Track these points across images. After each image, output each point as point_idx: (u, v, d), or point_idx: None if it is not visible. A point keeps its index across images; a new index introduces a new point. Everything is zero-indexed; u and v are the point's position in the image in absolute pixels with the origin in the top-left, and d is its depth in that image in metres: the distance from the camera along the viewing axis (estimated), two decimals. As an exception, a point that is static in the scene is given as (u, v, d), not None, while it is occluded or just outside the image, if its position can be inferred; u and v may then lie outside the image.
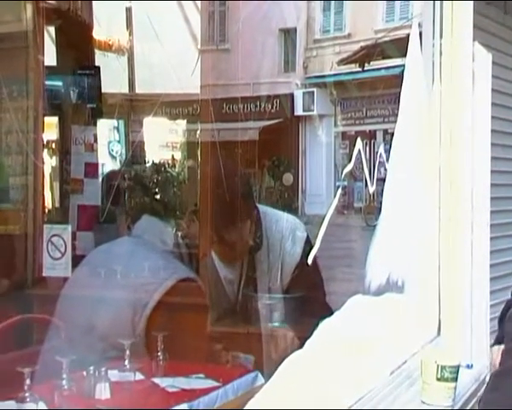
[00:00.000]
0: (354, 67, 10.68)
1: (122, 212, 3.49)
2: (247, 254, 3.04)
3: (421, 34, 2.84)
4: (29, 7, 3.89)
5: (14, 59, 3.85)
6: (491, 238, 3.13)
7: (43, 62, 3.93)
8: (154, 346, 2.68)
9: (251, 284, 3.04)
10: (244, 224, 2.98)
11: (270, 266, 3.01)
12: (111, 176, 6.14)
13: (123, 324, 2.86)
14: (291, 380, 1.86)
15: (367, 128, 13.82)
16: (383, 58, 9.58)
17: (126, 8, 6.85)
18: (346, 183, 13.12)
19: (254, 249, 3.02)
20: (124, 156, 8.62)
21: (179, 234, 3.50)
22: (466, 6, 2.84)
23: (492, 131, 3.15)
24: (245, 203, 2.99)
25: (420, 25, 2.86)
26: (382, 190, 2.83)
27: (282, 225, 3.05)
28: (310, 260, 2.89)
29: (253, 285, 3.03)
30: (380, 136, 13.12)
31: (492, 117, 3.11)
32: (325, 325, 2.19)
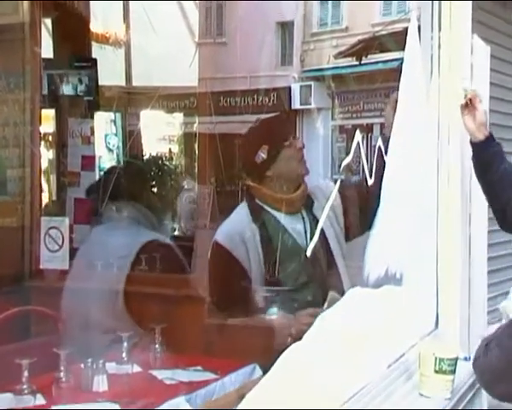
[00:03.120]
0: (351, 61, 10.65)
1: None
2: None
3: (419, 27, 2.83)
4: (25, -3, 3.87)
5: (11, 51, 3.83)
6: (489, 231, 3.14)
7: (40, 55, 3.92)
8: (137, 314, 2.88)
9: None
10: None
11: None
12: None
13: (104, 297, 2.98)
14: (289, 373, 1.86)
15: (364, 122, 13.80)
16: (381, 52, 9.56)
17: (123, 1, 6.83)
18: (343, 176, 13.09)
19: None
20: (120, 149, 8.62)
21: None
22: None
23: (491, 124, 3.15)
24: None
25: (418, 18, 2.85)
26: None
27: None
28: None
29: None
30: (377, 129, 13.11)
31: (491, 110, 3.11)
32: (324, 317, 2.19)
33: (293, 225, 2.83)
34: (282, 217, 2.81)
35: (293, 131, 2.88)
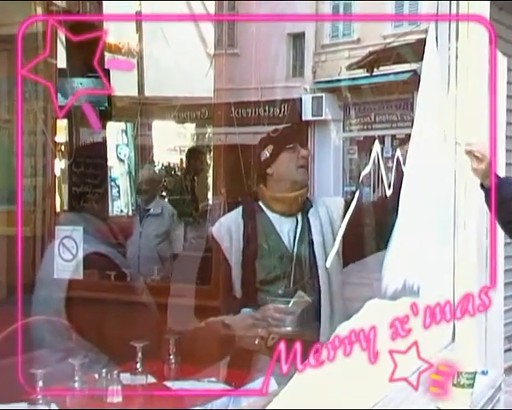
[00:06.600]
0: (363, 73, 10.63)
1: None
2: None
3: (436, 37, 2.82)
4: (39, 8, 3.89)
5: (25, 61, 3.83)
6: (506, 244, 3.11)
7: (56, 66, 3.92)
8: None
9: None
10: None
11: None
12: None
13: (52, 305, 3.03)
14: (309, 385, 1.84)
15: (375, 133, 13.76)
16: (392, 63, 9.56)
17: (136, 12, 6.85)
18: (354, 188, 13.07)
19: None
20: (131, 160, 8.63)
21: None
22: (482, 8, 2.82)
23: (507, 137, 3.14)
24: None
25: (435, 27, 2.83)
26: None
27: None
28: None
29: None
30: (388, 141, 13.07)
31: (508, 123, 3.10)
32: (343, 328, 2.16)
33: (284, 226, 3.01)
34: (275, 218, 3.02)
35: (302, 140, 3.03)
